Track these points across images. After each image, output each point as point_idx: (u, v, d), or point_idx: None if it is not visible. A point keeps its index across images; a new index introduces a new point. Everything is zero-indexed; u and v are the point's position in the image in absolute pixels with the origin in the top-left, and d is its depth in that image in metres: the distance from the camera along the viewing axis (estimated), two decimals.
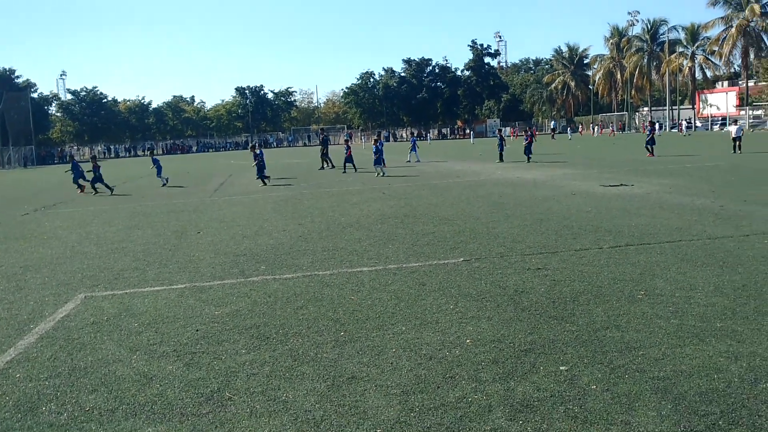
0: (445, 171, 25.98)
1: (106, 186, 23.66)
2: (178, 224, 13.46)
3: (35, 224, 15.00)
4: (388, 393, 4.24)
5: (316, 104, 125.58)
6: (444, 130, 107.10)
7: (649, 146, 29.38)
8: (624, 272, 7.14)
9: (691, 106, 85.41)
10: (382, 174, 23.79)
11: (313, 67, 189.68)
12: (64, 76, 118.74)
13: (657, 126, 33.51)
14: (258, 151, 23.64)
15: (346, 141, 32.90)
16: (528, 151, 29.69)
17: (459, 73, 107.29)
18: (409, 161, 34.19)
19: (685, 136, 59.32)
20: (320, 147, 32.51)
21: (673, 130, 75.91)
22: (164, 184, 25.16)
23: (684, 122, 73.94)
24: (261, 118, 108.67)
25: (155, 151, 27.87)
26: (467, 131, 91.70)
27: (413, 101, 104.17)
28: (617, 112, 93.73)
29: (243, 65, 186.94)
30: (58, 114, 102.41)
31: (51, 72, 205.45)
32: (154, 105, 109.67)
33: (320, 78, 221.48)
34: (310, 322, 5.90)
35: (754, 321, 5.31)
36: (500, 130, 37.54)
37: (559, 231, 10.00)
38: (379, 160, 24.90)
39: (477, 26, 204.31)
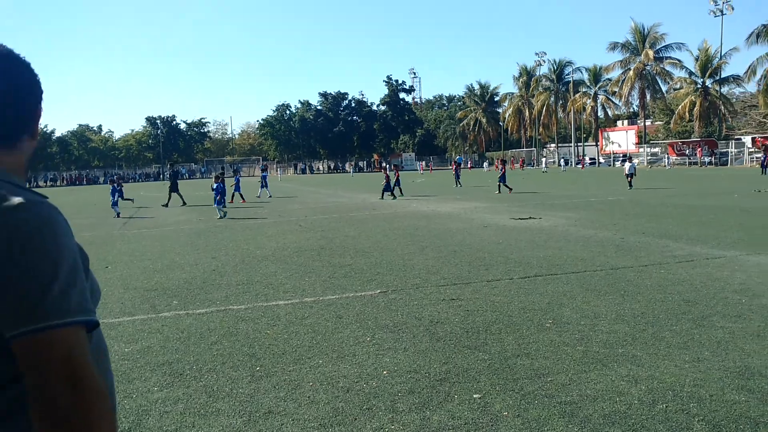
0: (360, 203, 26.22)
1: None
2: None
3: None
4: (305, 427, 4.24)
5: (231, 135, 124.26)
6: (361, 164, 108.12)
7: (501, 182, 30.31)
8: (533, 302, 7.43)
9: (594, 143, 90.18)
10: (222, 216, 21.52)
11: (227, 98, 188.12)
12: None
13: (507, 163, 35.37)
14: (217, 183, 22.50)
15: (263, 170, 32.78)
16: (503, 179, 30.23)
17: (375, 107, 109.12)
18: (259, 197, 33.07)
19: (544, 172, 62.38)
20: (169, 181, 31.06)
21: (577, 166, 79.81)
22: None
23: (544, 158, 78.46)
24: (173, 149, 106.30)
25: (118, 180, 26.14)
26: (383, 165, 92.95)
27: (330, 134, 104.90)
28: (526, 147, 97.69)
29: (154, 94, 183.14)
30: None
31: None
32: (57, 134, 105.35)
33: (235, 109, 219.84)
34: (225, 358, 5.80)
35: (653, 346, 5.65)
36: (386, 167, 38.37)
37: (472, 262, 10.29)
38: (220, 201, 22.26)
39: (392, 62, 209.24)
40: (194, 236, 16.24)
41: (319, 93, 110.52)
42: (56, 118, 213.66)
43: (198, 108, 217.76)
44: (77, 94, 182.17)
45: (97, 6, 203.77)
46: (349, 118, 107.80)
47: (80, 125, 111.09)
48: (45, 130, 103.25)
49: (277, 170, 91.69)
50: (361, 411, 4.46)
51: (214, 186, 22.53)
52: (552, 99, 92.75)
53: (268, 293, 8.64)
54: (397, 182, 30.54)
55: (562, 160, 79.18)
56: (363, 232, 15.55)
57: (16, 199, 1.27)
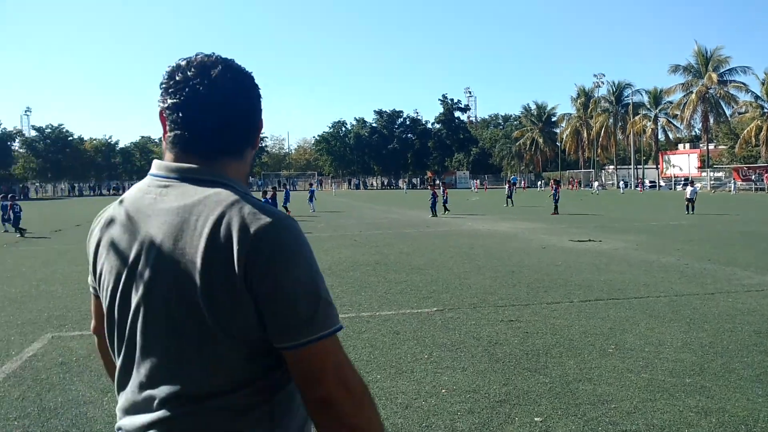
0: (415, 220, 26.22)
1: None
2: None
3: None
4: None
5: (287, 150, 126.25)
6: (414, 180, 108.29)
7: (555, 203, 30.25)
8: (594, 326, 7.27)
9: (655, 166, 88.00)
10: None
11: (285, 114, 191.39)
12: (28, 113, 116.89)
13: (560, 184, 35.06)
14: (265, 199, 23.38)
15: (311, 186, 33.34)
16: (556, 200, 30.21)
17: (430, 125, 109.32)
18: (313, 212, 33.49)
19: (594, 193, 60.73)
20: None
21: (636, 189, 77.97)
22: None
23: (596, 182, 76.63)
24: None
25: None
26: (436, 182, 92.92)
27: (384, 151, 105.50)
28: (584, 168, 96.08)
29: None
30: (22, 150, 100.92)
31: (16, 108, 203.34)
32: (121, 144, 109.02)
33: (292, 125, 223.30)
34: None
35: (723, 377, 5.44)
36: (438, 184, 38.60)
37: (531, 284, 10.15)
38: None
39: (447, 81, 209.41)
40: None
41: (375, 111, 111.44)
42: (121, 130, 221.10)
43: None
44: (141, 107, 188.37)
45: (158, 26, 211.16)
46: (404, 136, 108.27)
47: (142, 137, 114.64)
48: (109, 141, 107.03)
49: (331, 185, 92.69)
50: (420, 428, 4.44)
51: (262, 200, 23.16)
52: (611, 121, 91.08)
53: None
54: (445, 200, 30.54)
55: (621, 182, 77.58)
56: (417, 248, 15.53)
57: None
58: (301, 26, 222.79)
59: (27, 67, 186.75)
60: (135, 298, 1.37)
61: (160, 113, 1.46)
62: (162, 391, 1.35)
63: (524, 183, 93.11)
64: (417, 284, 10.33)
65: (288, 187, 41.01)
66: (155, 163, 1.46)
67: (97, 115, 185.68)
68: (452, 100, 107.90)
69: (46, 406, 4.95)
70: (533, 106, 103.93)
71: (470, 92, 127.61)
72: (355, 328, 7.39)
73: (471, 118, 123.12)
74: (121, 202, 1.47)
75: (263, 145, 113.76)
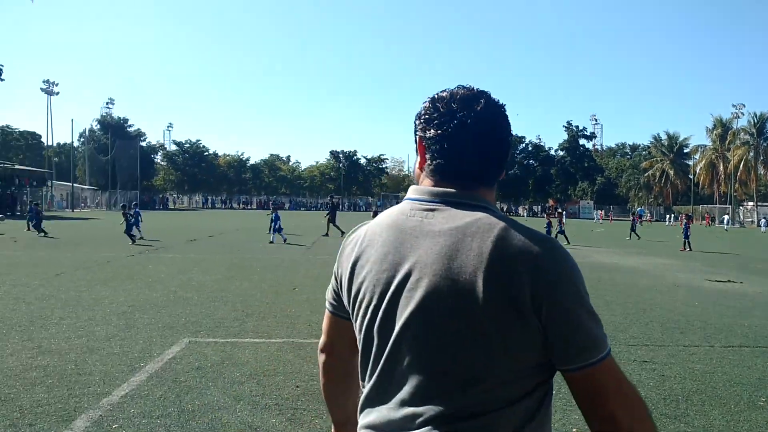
0: None
1: (130, 236, 23.79)
2: (274, 279, 13.81)
3: (140, 267, 15.77)
4: None
5: (407, 172, 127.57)
6: (535, 208, 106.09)
7: (685, 239, 28.40)
8: (740, 375, 6.72)
9: None
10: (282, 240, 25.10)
11: (406, 136, 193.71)
12: (170, 128, 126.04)
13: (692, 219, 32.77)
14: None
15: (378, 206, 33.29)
16: (686, 236, 28.60)
17: (552, 152, 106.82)
18: None
19: (725, 230, 56.04)
20: (327, 212, 32.43)
21: None
22: (271, 242, 25.04)
23: (726, 216, 70.67)
24: (352, 182, 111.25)
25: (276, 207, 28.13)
26: (558, 210, 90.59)
27: (505, 177, 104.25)
28: (719, 204, 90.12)
29: (338, 129, 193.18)
30: (163, 163, 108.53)
31: (160, 123, 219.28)
32: (252, 161, 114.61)
33: (410, 148, 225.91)
34: None
35: None
36: (561, 212, 37.61)
37: (665, 324, 9.56)
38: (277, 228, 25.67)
39: (572, 107, 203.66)
40: None
41: None
42: (252, 147, 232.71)
43: (378, 144, 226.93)
44: (271, 126, 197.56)
45: (290, 48, 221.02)
46: (525, 162, 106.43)
47: (272, 155, 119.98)
48: (241, 157, 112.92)
49: None
50: None
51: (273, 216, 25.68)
52: (751, 154, 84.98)
53: None
54: (562, 230, 29.65)
55: (762, 219, 72.03)
56: None
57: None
58: (421, 51, 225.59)
59: (171, 86, 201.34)
60: (403, 316, 1.40)
61: (419, 142, 1.54)
62: (427, 409, 1.36)
63: (650, 216, 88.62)
64: None
65: (335, 206, 41.34)
66: (413, 188, 1.53)
67: (230, 131, 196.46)
68: (577, 127, 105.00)
69: (184, 408, 5.20)
70: (664, 136, 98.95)
71: (596, 119, 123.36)
72: None
73: (597, 146, 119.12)
74: (377, 224, 1.54)
75: (383, 166, 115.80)
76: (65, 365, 6.37)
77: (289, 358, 6.92)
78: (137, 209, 28.17)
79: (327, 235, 29.95)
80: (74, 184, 75.20)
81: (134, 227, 24.93)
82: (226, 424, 4.88)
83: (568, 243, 27.70)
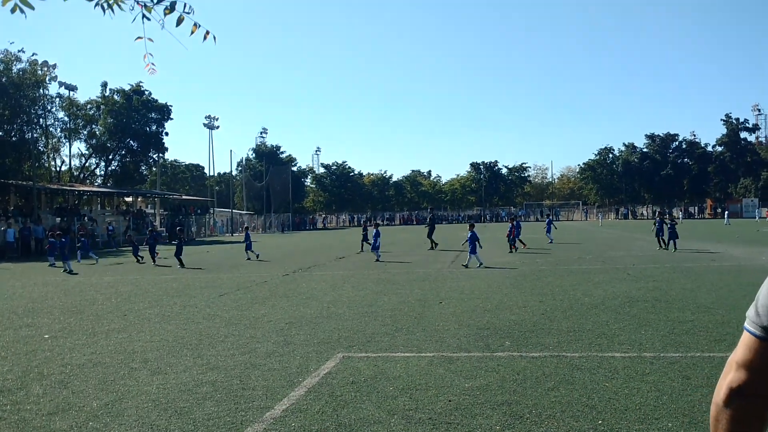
0: (696, 253, 23.84)
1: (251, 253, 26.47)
2: (421, 293, 13.96)
3: (295, 284, 16.57)
4: None
5: (550, 180, 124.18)
6: (691, 209, 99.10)
7: None
8: None
9: None
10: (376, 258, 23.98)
11: (547, 143, 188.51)
12: (318, 152, 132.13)
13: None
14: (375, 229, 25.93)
15: (547, 216, 31.70)
16: None
17: (709, 148, 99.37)
18: (551, 242, 32.88)
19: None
20: (427, 227, 32.17)
21: None
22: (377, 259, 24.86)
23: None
24: (494, 193, 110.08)
25: (375, 222, 29.24)
26: (718, 210, 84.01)
27: (656, 177, 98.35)
28: None
29: (478, 141, 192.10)
30: (312, 185, 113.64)
31: (308, 148, 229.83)
32: (394, 178, 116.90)
33: (555, 153, 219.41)
34: (564, 406, 5.66)
35: None
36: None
37: None
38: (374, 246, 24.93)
39: (731, 99, 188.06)
40: (520, 278, 16.44)
41: (646, 135, 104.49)
42: (394, 164, 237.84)
43: (519, 153, 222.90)
44: (412, 142, 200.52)
45: (428, 64, 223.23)
46: (679, 161, 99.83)
47: (413, 171, 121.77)
48: (384, 175, 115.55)
49: (597, 215, 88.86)
50: None
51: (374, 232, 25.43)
52: None
53: (602, 343, 8.28)
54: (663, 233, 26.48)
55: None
56: (702, 284, 14.08)
57: None
58: (562, 50, 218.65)
59: (318, 112, 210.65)
60: None
61: None
62: None
63: None
64: (706, 325, 9.34)
65: (551, 216, 41.34)
66: None
67: (373, 151, 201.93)
68: (737, 119, 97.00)
69: (341, 422, 5.39)
70: None
71: (759, 109, 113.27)
72: (637, 369, 6.89)
73: (760, 139, 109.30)
74: None
75: (526, 175, 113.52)
76: (231, 380, 6.83)
77: (440, 372, 6.96)
78: (248, 232, 30.34)
79: (432, 249, 29.92)
80: (233, 210, 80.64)
81: (248, 249, 28.02)
82: None
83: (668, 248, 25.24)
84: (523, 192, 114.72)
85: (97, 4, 3.58)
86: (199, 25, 3.73)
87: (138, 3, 3.62)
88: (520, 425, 5.20)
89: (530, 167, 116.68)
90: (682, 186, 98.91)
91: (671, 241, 25.79)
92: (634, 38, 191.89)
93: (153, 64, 4.10)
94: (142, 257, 27.31)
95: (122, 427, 5.41)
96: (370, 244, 26.36)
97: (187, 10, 3.63)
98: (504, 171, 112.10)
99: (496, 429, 5.13)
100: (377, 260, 23.97)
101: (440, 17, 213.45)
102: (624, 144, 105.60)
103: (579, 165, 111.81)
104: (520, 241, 28.64)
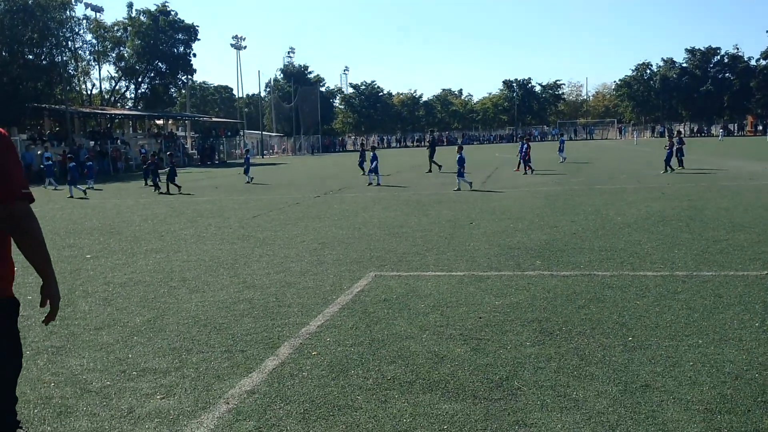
0: (735, 171, 23.34)
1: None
2: (451, 213, 13.99)
3: (326, 206, 16.73)
4: (689, 408, 3.96)
5: (585, 97, 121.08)
6: (731, 126, 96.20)
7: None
8: None
9: None
10: (463, 188, 20.23)
11: (582, 59, 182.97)
12: (347, 72, 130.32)
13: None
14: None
15: (561, 135, 30.92)
16: None
17: (753, 63, 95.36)
18: (562, 161, 32.42)
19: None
20: (428, 149, 31.34)
21: None
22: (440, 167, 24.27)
23: None
24: (527, 112, 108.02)
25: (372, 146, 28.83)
26: (759, 128, 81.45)
27: (695, 94, 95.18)
28: None
29: (511, 58, 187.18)
30: (341, 106, 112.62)
31: (337, 67, 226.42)
32: (424, 98, 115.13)
33: (590, 70, 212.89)
34: (594, 323, 5.73)
35: None
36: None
37: None
38: (374, 169, 23.27)
39: None
40: (551, 198, 16.34)
41: (686, 49, 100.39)
42: (423, 84, 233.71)
43: (553, 70, 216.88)
44: (442, 61, 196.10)
45: None
46: (720, 76, 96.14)
47: (443, 90, 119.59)
48: (414, 95, 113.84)
49: (632, 134, 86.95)
50: (755, 403, 4.00)
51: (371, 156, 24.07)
52: None
53: (634, 262, 8.27)
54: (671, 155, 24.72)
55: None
56: (739, 203, 13.85)
57: None
58: None
59: (345, 29, 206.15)
60: None
61: None
62: None
63: None
64: (740, 243, 9.24)
65: (563, 137, 41.40)
66: None
67: (403, 70, 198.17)
68: None
69: (375, 337, 5.54)
70: None
71: None
72: (669, 287, 6.90)
73: None
74: None
75: (560, 92, 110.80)
76: (267, 298, 7.03)
77: (471, 291, 7.06)
78: (248, 155, 30.96)
79: (430, 171, 29.19)
80: (263, 132, 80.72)
81: (246, 172, 28.31)
82: (414, 352, 5.13)
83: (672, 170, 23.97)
84: (557, 110, 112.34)
85: None
86: None
87: None
88: (550, 341, 5.29)
89: (564, 84, 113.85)
90: (722, 102, 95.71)
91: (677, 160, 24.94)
92: None
93: None
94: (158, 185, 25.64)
95: (165, 341, 5.65)
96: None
97: None
98: (537, 89, 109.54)
99: (527, 345, 5.23)
100: (369, 184, 23.19)
101: None
102: (662, 59, 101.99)
103: (615, 82, 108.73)
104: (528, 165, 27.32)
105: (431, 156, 30.36)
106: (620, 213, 12.98)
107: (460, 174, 20.12)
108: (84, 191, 23.68)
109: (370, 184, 23.26)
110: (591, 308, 6.20)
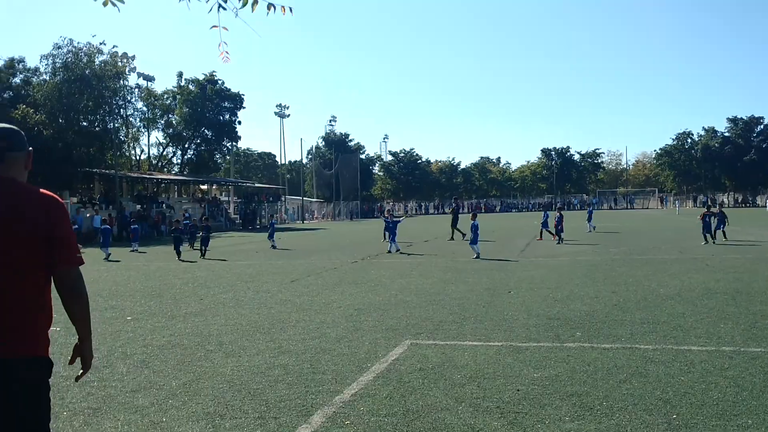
0: None
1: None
2: (489, 282, 13.87)
3: (363, 272, 16.76)
4: None
5: (625, 166, 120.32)
6: None
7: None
8: None
9: None
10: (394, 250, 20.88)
11: (622, 128, 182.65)
12: (386, 140, 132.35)
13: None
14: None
15: (589, 206, 30.61)
16: None
17: None
18: (590, 231, 31.93)
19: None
20: (451, 216, 31.16)
21: None
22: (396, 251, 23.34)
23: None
24: (566, 180, 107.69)
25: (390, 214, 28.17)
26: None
27: (738, 164, 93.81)
28: None
29: (549, 126, 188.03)
30: (380, 173, 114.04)
31: (376, 135, 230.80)
32: (462, 166, 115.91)
33: (630, 139, 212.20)
34: (636, 399, 5.55)
35: None
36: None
37: None
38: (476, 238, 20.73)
39: None
40: (591, 268, 16.09)
41: (727, 118, 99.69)
42: (462, 151, 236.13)
43: (592, 138, 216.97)
44: (480, 129, 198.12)
45: (495, 48, 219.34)
46: (764, 146, 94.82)
47: (481, 158, 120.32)
48: (452, 162, 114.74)
49: (674, 203, 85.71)
50: None
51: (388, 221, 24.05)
52: None
53: (678, 336, 8.04)
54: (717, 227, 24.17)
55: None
56: None
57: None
58: (639, 35, 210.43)
59: (387, 99, 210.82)
60: None
61: None
62: None
63: None
64: None
65: (591, 207, 41.84)
66: None
67: (441, 138, 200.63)
68: None
69: (409, 408, 5.45)
70: None
71: None
72: (715, 363, 6.66)
73: None
74: None
75: (599, 161, 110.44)
76: (302, 364, 7.00)
77: (509, 362, 6.92)
78: (273, 221, 31.83)
79: (452, 239, 28.98)
80: (303, 198, 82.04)
81: (270, 238, 28.48)
82: (449, 425, 5.03)
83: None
84: (596, 179, 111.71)
85: None
86: (274, 6, 3.82)
87: None
88: (590, 416, 5.13)
89: (603, 153, 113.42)
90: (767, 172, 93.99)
91: (717, 231, 24.20)
92: (713, 17, 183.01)
93: (227, 52, 4.24)
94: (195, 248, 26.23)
95: (199, 405, 5.65)
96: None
97: None
98: (576, 157, 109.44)
99: (566, 419, 5.08)
100: (390, 251, 22.92)
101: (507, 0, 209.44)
102: (703, 128, 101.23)
103: (655, 150, 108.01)
104: (549, 231, 27.63)
105: (454, 224, 30.28)
106: (663, 284, 12.69)
107: (474, 242, 20.09)
108: (108, 254, 23.97)
109: (390, 251, 22.99)
110: (633, 383, 6.01)
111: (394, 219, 25.17)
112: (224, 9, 3.81)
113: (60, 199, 2.97)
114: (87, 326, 3.06)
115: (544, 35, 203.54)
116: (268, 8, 3.81)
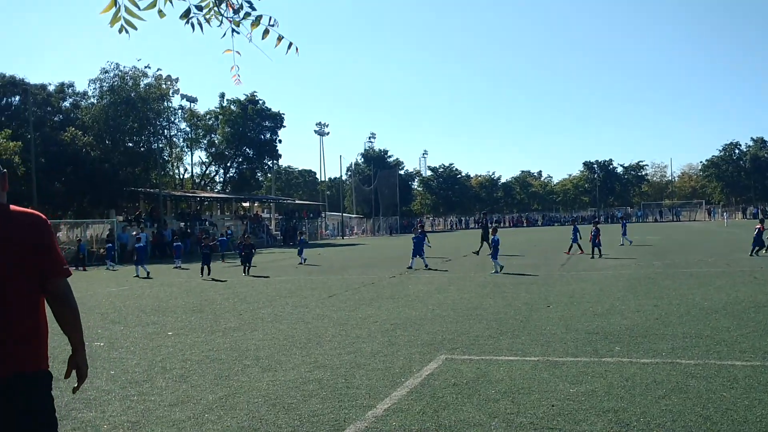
0: None
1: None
2: (528, 296, 13.72)
3: (401, 287, 16.75)
4: None
5: (670, 178, 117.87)
6: None
7: None
8: None
9: None
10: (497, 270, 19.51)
11: (666, 140, 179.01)
12: (425, 155, 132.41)
13: None
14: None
15: (622, 218, 29.83)
16: None
17: None
18: (622, 245, 31.45)
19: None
20: (481, 230, 30.89)
21: None
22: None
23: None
24: (609, 193, 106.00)
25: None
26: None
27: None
28: None
29: (591, 139, 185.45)
30: (419, 188, 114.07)
31: (415, 151, 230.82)
32: (503, 180, 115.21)
33: (674, 150, 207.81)
34: (675, 415, 5.41)
35: None
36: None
37: None
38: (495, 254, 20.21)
39: None
40: (634, 282, 15.78)
41: None
42: (502, 165, 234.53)
43: (636, 151, 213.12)
44: (520, 143, 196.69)
45: (533, 60, 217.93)
46: None
47: (522, 171, 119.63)
48: (492, 176, 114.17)
49: (722, 215, 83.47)
50: None
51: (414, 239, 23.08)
52: None
53: (721, 350, 7.82)
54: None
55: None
56: None
57: None
58: (668, 42, 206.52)
59: (425, 114, 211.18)
60: None
61: None
62: None
63: None
64: None
65: (625, 220, 41.75)
66: None
67: (481, 152, 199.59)
68: None
69: (442, 423, 5.42)
70: None
71: None
72: (760, 379, 6.46)
73: None
74: None
75: (643, 174, 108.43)
76: (336, 379, 7.03)
77: (545, 377, 6.84)
78: (302, 238, 31.64)
79: (477, 253, 28.85)
80: (343, 214, 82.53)
81: (300, 254, 28.61)
82: None
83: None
84: (640, 191, 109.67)
85: (187, 22, 3.84)
86: (283, 37, 3.92)
87: (228, 18, 3.85)
88: None
89: (647, 165, 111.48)
90: None
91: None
92: (758, 27, 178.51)
93: (238, 75, 4.36)
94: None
95: (234, 420, 5.72)
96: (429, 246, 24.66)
97: (272, 23, 3.84)
98: (619, 170, 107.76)
99: None
100: (409, 267, 22.39)
101: (546, 11, 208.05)
102: (752, 138, 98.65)
103: (701, 162, 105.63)
104: (578, 245, 27.20)
105: (484, 237, 30.12)
106: (707, 298, 12.37)
107: (494, 256, 19.98)
108: (147, 273, 24.41)
109: (411, 267, 22.43)
110: (672, 399, 5.87)
111: (423, 232, 24.73)
112: (237, 33, 3.92)
113: (43, 216, 3.13)
114: (79, 336, 3.18)
115: (587, 48, 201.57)
116: (278, 39, 3.91)
